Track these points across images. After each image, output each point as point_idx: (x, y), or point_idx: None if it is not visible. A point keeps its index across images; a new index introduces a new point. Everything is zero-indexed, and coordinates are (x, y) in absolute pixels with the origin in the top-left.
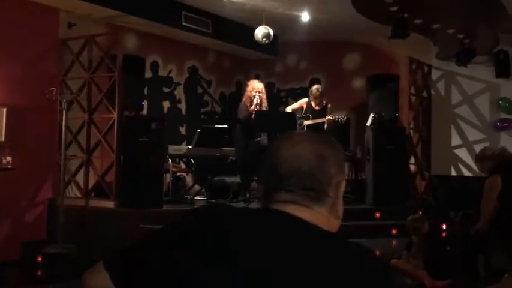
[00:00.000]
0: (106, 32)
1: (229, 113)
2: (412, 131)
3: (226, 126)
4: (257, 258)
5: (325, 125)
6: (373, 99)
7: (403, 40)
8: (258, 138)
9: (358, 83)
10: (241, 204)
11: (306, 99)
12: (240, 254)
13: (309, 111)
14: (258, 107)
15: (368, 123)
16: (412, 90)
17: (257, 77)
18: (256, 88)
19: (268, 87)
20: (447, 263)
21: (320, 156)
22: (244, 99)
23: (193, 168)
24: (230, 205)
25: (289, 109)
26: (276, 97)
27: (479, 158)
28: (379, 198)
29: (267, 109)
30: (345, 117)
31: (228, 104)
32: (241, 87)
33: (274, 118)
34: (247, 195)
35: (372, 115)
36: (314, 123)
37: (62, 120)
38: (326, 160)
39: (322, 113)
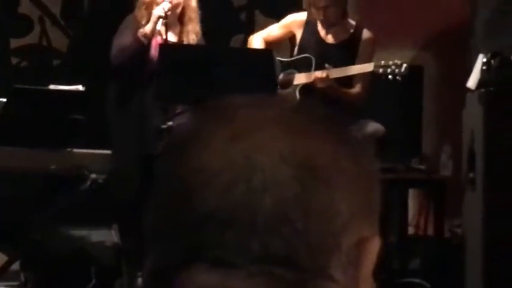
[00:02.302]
0: None
1: (89, 54)
2: None
3: (80, 87)
4: None
5: (357, 88)
6: (487, 16)
7: None
8: (169, 123)
9: None
10: None
11: (301, 16)
12: None
13: (312, 49)
14: (164, 32)
15: (471, 83)
16: None
17: None
18: None
19: None
20: None
21: (309, 172)
22: (135, 12)
23: None
24: None
25: (257, 41)
26: (225, 10)
27: None
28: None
29: (199, 39)
30: (405, 66)
31: (88, 28)
32: None
33: (216, 65)
34: (138, 280)
35: (481, 60)
36: (323, 82)
37: None
38: (326, 183)
39: (345, 53)
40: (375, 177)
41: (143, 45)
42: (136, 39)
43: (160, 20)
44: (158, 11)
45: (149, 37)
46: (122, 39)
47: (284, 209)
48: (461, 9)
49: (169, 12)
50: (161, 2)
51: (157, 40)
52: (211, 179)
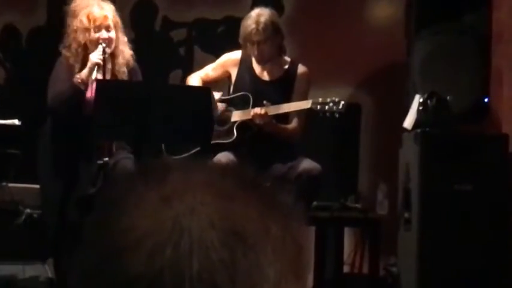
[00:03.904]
0: None
1: (26, 88)
2: None
3: (16, 121)
4: None
5: (293, 124)
6: (423, 58)
7: None
8: (105, 158)
9: (384, 10)
10: None
11: (236, 55)
12: None
13: (247, 86)
14: (102, 70)
15: (407, 123)
16: None
17: None
18: (98, 19)
19: (140, 19)
20: None
21: (237, 238)
22: (65, 52)
23: None
24: None
25: (194, 80)
26: (164, 45)
27: None
28: None
29: (131, 68)
30: (342, 103)
31: (26, 61)
32: (61, 17)
33: (153, 101)
34: None
35: (418, 100)
36: (261, 119)
37: None
38: (253, 248)
39: (281, 90)
40: (303, 241)
41: (81, 91)
42: (73, 86)
43: (97, 66)
44: (95, 57)
45: (86, 83)
46: (58, 86)
47: (211, 273)
48: (398, 49)
49: (106, 55)
50: (96, 40)
51: (93, 86)
52: (140, 241)
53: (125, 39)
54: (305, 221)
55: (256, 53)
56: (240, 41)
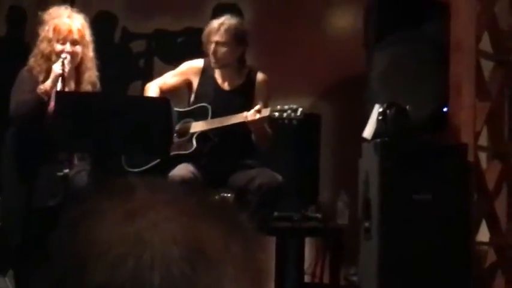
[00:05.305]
0: None
1: None
2: (485, 155)
3: None
4: None
5: (255, 134)
6: (382, 68)
7: None
8: (66, 170)
9: (343, 20)
10: None
11: (198, 63)
12: None
13: (209, 96)
14: (62, 82)
15: (367, 133)
16: (485, 46)
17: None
18: (63, 32)
19: (99, 30)
20: None
21: (199, 255)
22: (31, 62)
23: None
24: None
25: (153, 89)
26: (124, 56)
27: None
28: None
29: (95, 86)
30: (300, 110)
31: None
32: (22, 27)
33: (113, 113)
34: None
35: (378, 109)
36: (221, 130)
37: None
38: (215, 266)
39: (242, 98)
40: (264, 263)
41: (43, 101)
42: (36, 96)
43: (60, 77)
44: (58, 68)
45: (49, 94)
46: (21, 96)
47: (172, 287)
48: (358, 58)
49: (68, 67)
50: (59, 52)
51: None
52: (103, 253)
53: (93, 58)
54: (265, 244)
55: (212, 53)
56: (203, 40)
